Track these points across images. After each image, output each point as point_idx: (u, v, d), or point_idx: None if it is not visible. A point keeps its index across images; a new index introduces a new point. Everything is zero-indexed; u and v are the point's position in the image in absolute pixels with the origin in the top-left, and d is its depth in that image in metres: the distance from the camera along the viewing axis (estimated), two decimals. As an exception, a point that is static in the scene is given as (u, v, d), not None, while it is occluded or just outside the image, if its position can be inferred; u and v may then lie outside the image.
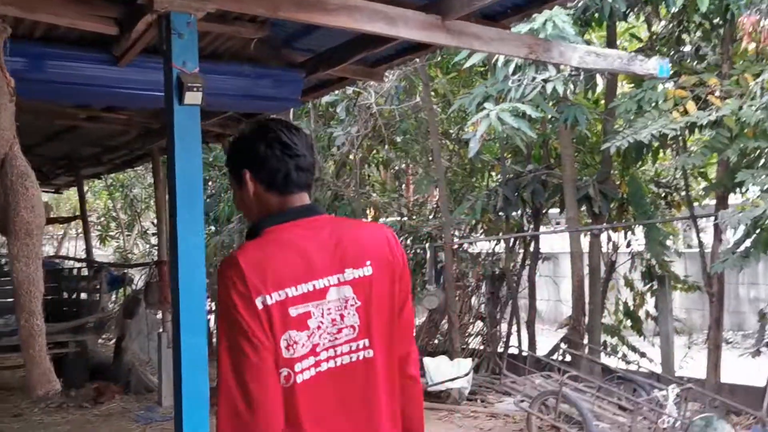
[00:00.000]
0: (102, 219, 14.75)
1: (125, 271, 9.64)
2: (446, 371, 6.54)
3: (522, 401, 5.27)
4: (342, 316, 1.51)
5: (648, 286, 7.08)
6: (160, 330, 6.87)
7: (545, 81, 5.37)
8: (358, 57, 4.06)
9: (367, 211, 9.31)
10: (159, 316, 7.34)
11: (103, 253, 13.35)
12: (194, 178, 2.80)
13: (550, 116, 6.15)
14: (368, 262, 1.55)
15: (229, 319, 1.43)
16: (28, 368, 3.01)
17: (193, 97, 2.75)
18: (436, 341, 8.30)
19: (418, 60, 6.93)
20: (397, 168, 10.23)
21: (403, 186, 10.82)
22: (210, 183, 9.54)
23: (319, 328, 1.48)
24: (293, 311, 1.45)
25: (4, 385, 7.65)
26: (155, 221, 9.22)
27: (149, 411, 6.39)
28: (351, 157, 9.02)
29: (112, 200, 14.21)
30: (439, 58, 8.15)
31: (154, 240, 10.92)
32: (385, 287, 1.58)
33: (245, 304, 1.42)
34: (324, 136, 8.89)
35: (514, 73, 5.47)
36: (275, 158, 1.57)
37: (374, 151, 9.65)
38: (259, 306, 1.42)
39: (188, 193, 2.78)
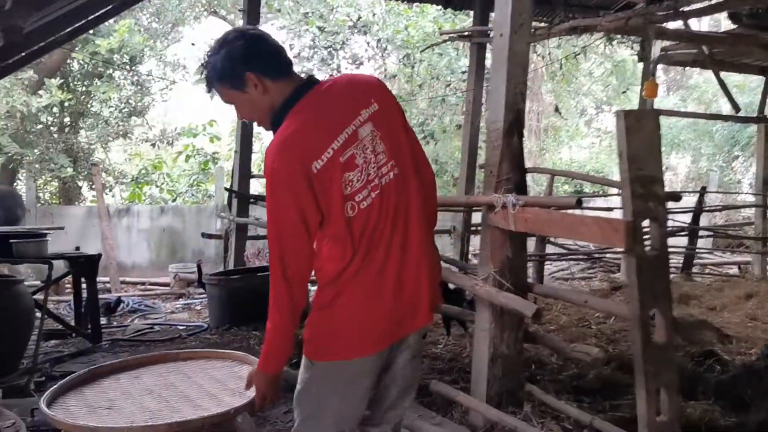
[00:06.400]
0: None
1: None
2: None
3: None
4: (374, 147, 1.89)
5: None
6: None
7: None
8: None
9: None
10: None
11: None
12: None
13: None
14: (372, 100, 1.92)
15: (291, 189, 1.79)
16: None
17: None
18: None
19: None
20: None
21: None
22: None
23: (366, 162, 1.86)
24: (342, 158, 1.83)
25: None
26: None
27: None
28: None
29: None
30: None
31: None
32: (393, 118, 1.96)
33: (304, 173, 1.78)
34: None
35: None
36: (267, 51, 1.88)
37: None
38: (314, 170, 1.79)
39: None
